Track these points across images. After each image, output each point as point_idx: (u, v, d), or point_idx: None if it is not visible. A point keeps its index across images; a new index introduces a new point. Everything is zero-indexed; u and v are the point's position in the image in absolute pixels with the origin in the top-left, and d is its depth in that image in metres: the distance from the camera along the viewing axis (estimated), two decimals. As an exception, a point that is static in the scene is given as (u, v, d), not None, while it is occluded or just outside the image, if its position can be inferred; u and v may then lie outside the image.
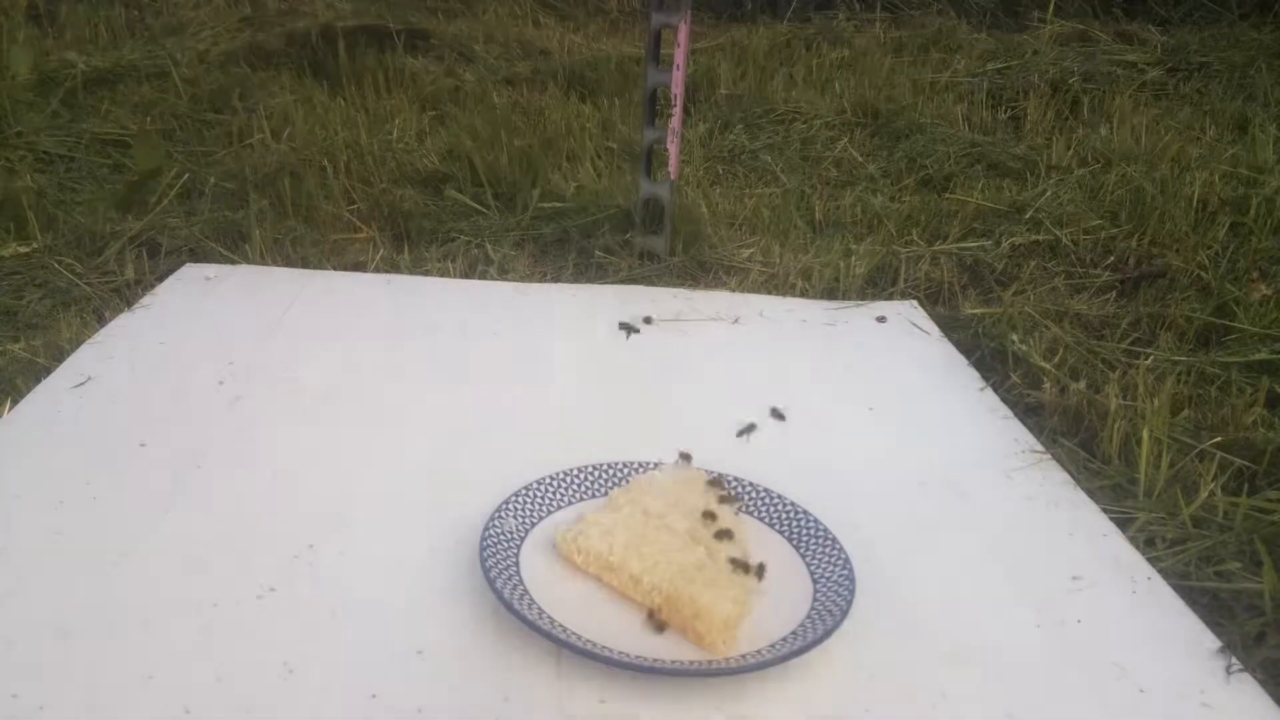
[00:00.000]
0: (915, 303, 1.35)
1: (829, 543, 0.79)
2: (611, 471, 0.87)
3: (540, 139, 1.83)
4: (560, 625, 0.69)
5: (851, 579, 0.75)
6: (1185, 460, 0.98)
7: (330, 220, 1.51)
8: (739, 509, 0.82)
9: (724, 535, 0.76)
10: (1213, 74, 2.43)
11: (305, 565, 0.76)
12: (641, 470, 0.87)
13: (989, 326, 1.28)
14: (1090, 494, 0.93)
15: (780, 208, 1.64)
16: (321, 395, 1.02)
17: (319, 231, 1.47)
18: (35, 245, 1.37)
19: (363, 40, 2.39)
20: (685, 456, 0.87)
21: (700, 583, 0.70)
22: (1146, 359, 1.19)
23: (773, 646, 0.68)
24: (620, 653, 0.67)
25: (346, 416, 0.99)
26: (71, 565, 0.75)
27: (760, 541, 0.79)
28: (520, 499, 0.82)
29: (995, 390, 1.12)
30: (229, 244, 1.41)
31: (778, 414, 0.95)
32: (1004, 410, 1.08)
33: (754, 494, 0.85)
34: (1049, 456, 0.99)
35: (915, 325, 1.28)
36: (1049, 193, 1.72)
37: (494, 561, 0.74)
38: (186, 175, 1.60)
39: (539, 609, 0.70)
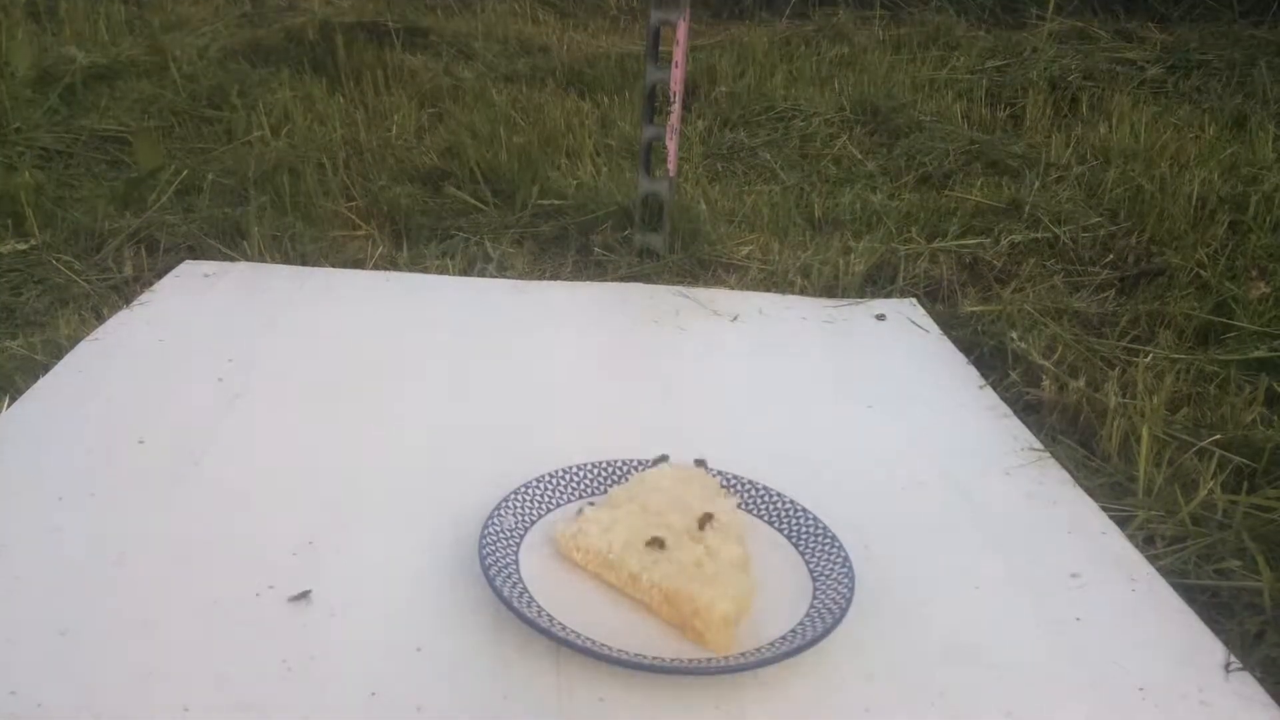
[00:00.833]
0: (914, 300, 1.35)
1: (828, 541, 0.79)
2: (611, 469, 0.87)
3: (539, 136, 1.83)
4: (559, 623, 0.69)
5: (851, 577, 0.75)
6: (1184, 458, 0.98)
7: (329, 217, 1.51)
8: (737, 505, 0.82)
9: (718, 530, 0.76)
10: (1212, 72, 2.43)
11: (304, 564, 0.76)
12: (641, 468, 0.87)
13: (988, 324, 1.28)
14: (1089, 492, 0.93)
15: (779, 205, 1.64)
16: (320, 392, 1.02)
17: (318, 228, 1.47)
18: (34, 242, 1.37)
19: (362, 37, 2.39)
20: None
21: (700, 581, 0.70)
22: (1146, 357, 1.19)
23: (772, 645, 0.68)
24: (619, 650, 0.67)
25: (345, 414, 0.99)
26: (71, 563, 0.75)
27: (760, 540, 0.79)
28: (519, 497, 0.82)
29: (994, 388, 1.12)
30: (228, 241, 1.41)
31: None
32: (1003, 408, 1.08)
33: (754, 492, 0.85)
34: (1048, 454, 0.99)
35: (914, 323, 1.28)
36: (1048, 190, 1.72)
37: (493, 559, 0.74)
38: (185, 172, 1.60)
39: (538, 607, 0.70)
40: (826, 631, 0.69)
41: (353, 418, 0.98)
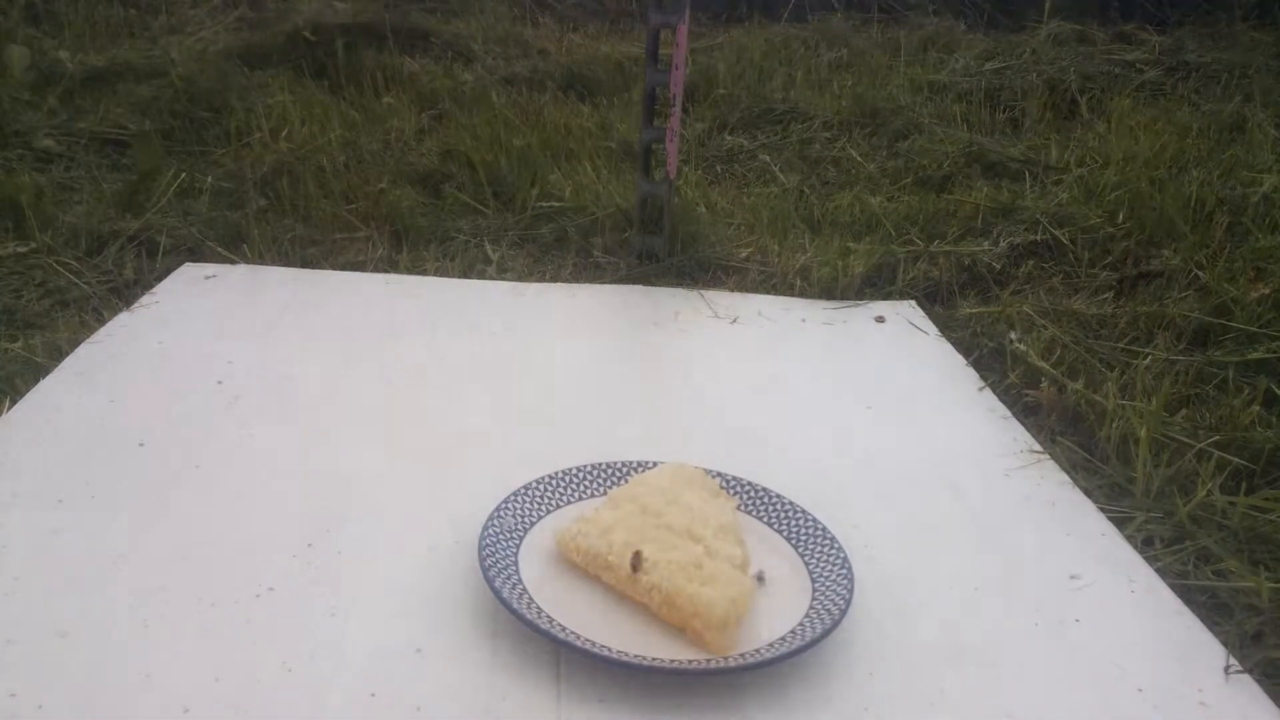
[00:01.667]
0: (913, 302, 1.35)
1: (828, 542, 0.79)
2: (610, 471, 0.87)
3: (539, 139, 1.83)
4: (559, 624, 0.69)
5: (850, 578, 0.75)
6: (1183, 459, 0.98)
7: (329, 220, 1.51)
8: (737, 507, 0.82)
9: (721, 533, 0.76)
10: (1210, 74, 2.43)
11: (304, 565, 0.76)
12: (640, 469, 0.87)
13: (987, 326, 1.28)
14: (1088, 493, 0.93)
15: (779, 207, 1.64)
16: (320, 395, 1.03)
17: (318, 231, 1.47)
18: (34, 245, 1.37)
19: (361, 40, 2.39)
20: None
21: (699, 581, 0.70)
22: (1144, 358, 1.20)
23: (772, 645, 0.68)
24: (619, 652, 0.67)
25: (345, 416, 0.99)
26: (71, 565, 0.75)
27: (760, 541, 0.80)
28: (519, 498, 0.82)
29: (993, 390, 1.12)
30: (228, 243, 1.41)
31: None
32: (1002, 410, 1.08)
33: (753, 494, 0.85)
34: (1047, 456, 0.99)
35: (913, 325, 1.28)
36: (1047, 192, 1.72)
37: (493, 561, 0.74)
38: (185, 175, 1.60)
39: (538, 608, 0.70)
40: (826, 632, 0.69)
41: (352, 419, 0.98)
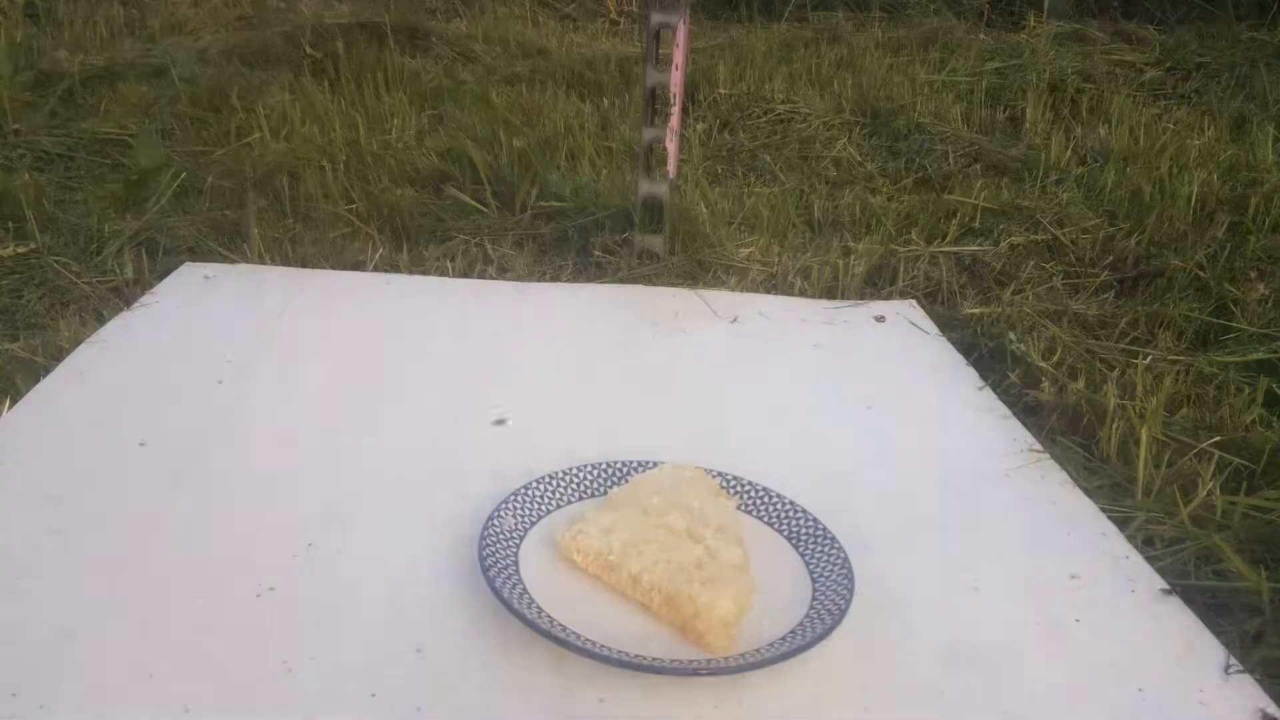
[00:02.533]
0: (914, 302, 1.35)
1: (828, 542, 0.79)
2: (611, 470, 0.87)
3: (539, 138, 1.83)
4: (560, 624, 0.69)
5: (850, 578, 0.75)
6: (1184, 460, 0.98)
7: (329, 219, 1.51)
8: (737, 506, 0.82)
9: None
10: (1211, 74, 2.43)
11: (305, 565, 0.76)
12: (640, 469, 0.87)
13: (987, 326, 1.28)
14: (1089, 493, 0.93)
15: (779, 207, 1.64)
16: (320, 394, 1.02)
17: (318, 230, 1.47)
18: (34, 244, 1.37)
19: (362, 39, 2.39)
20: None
21: (699, 581, 0.70)
22: (1145, 358, 1.20)
23: (772, 646, 0.68)
24: (620, 652, 0.67)
25: (346, 416, 0.99)
26: (71, 564, 0.75)
27: (759, 541, 0.80)
28: (519, 498, 0.82)
29: (994, 390, 1.12)
30: (228, 243, 1.41)
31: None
32: (1002, 409, 1.08)
33: (753, 493, 0.85)
34: (1047, 456, 0.99)
35: (914, 325, 1.28)
36: (1047, 192, 1.72)
37: (493, 561, 0.74)
38: (185, 174, 1.60)
39: (538, 608, 0.70)
40: (826, 632, 0.69)
41: (353, 419, 0.98)
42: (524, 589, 0.72)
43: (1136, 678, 0.70)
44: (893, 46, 2.63)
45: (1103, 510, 0.90)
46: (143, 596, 0.72)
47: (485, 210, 1.58)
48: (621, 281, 1.37)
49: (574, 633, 0.68)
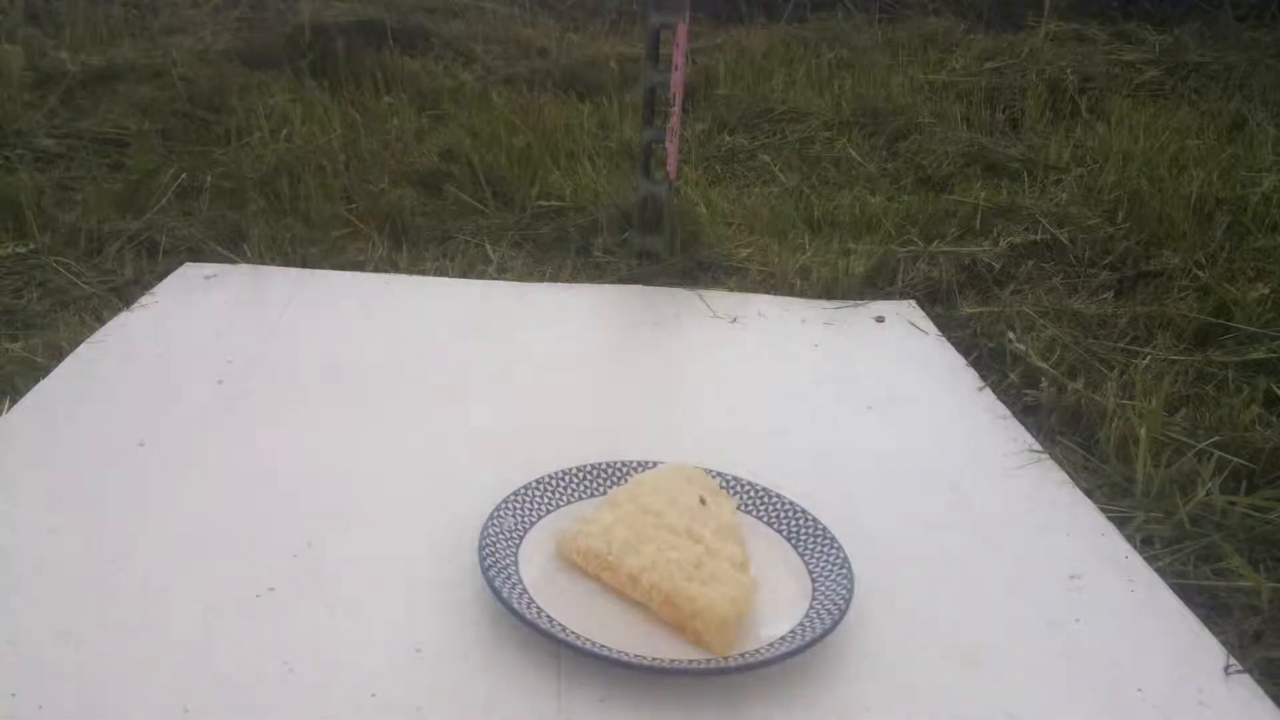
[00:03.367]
0: (913, 302, 1.35)
1: (828, 542, 0.79)
2: (610, 471, 0.87)
3: (539, 138, 1.83)
4: (559, 624, 0.69)
5: (850, 578, 0.75)
6: (1183, 459, 0.98)
7: (329, 220, 1.51)
8: (737, 506, 0.82)
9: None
10: (1210, 74, 2.43)
11: (304, 565, 0.76)
12: (640, 469, 0.87)
13: (987, 326, 1.28)
14: (1088, 493, 0.93)
15: (779, 207, 1.64)
16: (320, 395, 1.03)
17: (318, 231, 1.48)
18: (34, 245, 1.37)
19: (361, 40, 2.39)
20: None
21: (699, 581, 0.70)
22: (1144, 358, 1.20)
23: (771, 645, 0.68)
24: (620, 652, 0.67)
25: (345, 416, 0.99)
26: (71, 565, 0.75)
27: (759, 541, 0.80)
28: (519, 498, 0.82)
29: (993, 390, 1.12)
30: (228, 243, 1.41)
31: None
32: (1002, 410, 1.08)
33: (753, 493, 0.85)
34: (1047, 456, 0.99)
35: (913, 325, 1.28)
36: (1047, 192, 1.72)
37: (493, 561, 0.74)
38: (185, 175, 1.60)
39: (538, 608, 0.70)
40: (826, 632, 0.69)
41: (352, 420, 0.98)
42: (524, 589, 0.72)
43: (1136, 678, 0.70)
44: (892, 47, 2.63)
45: (1102, 510, 0.90)
46: (143, 596, 0.72)
47: (484, 210, 1.59)
48: (621, 281, 1.37)
49: (574, 633, 0.68)
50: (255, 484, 0.86)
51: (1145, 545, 0.87)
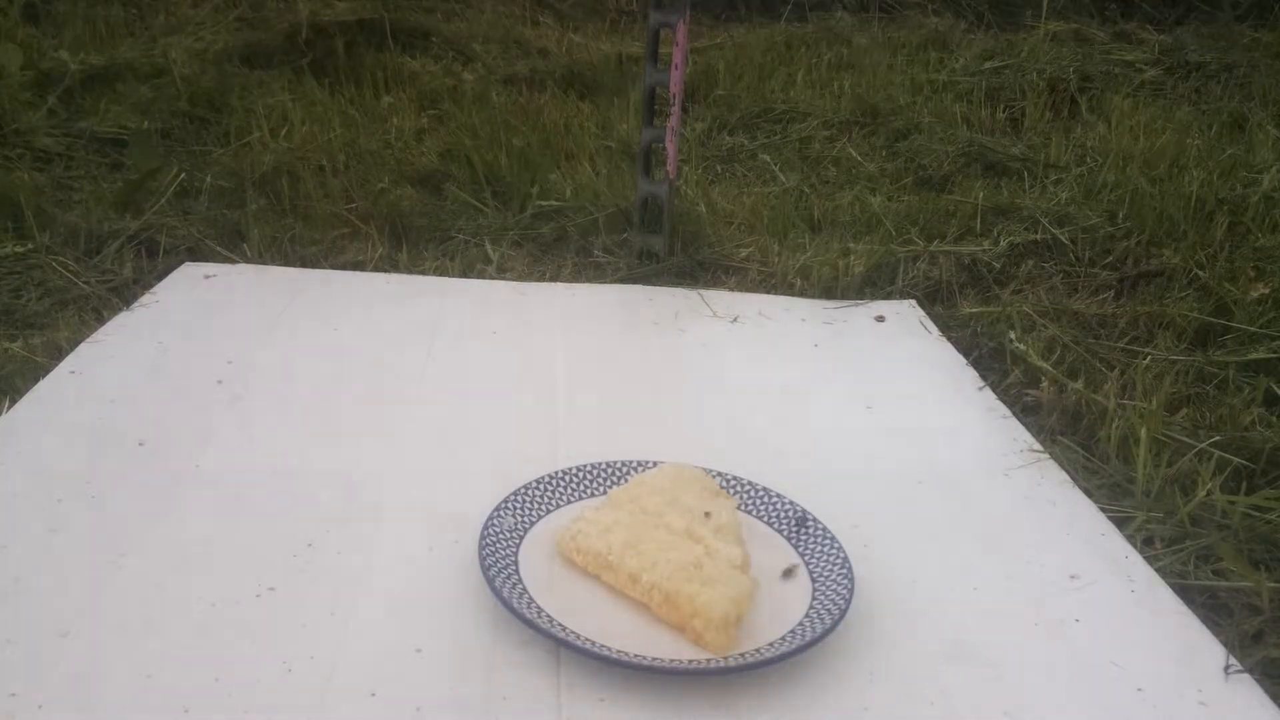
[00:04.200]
0: (913, 302, 1.35)
1: (828, 542, 0.79)
2: (610, 470, 0.87)
3: (539, 138, 1.83)
4: (559, 624, 0.69)
5: (850, 578, 0.75)
6: (1183, 459, 0.98)
7: (329, 219, 1.51)
8: (737, 506, 0.82)
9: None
10: (1210, 73, 2.43)
11: (305, 565, 0.76)
12: (640, 469, 0.87)
13: (987, 326, 1.28)
14: (1088, 493, 0.93)
15: (779, 207, 1.64)
16: (320, 394, 1.02)
17: (317, 230, 1.47)
18: (33, 245, 1.37)
19: (361, 39, 2.39)
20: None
21: (698, 581, 0.70)
22: (1144, 358, 1.20)
23: (772, 645, 0.68)
24: (619, 651, 0.67)
25: (345, 415, 0.99)
26: (71, 564, 0.75)
27: (759, 541, 0.80)
28: (519, 498, 0.82)
29: (993, 389, 1.12)
30: (227, 243, 1.41)
31: None
32: (1002, 409, 1.08)
33: (754, 494, 0.85)
34: (1047, 455, 0.99)
35: (913, 324, 1.28)
36: (1047, 192, 1.72)
37: (493, 560, 0.74)
38: (184, 174, 1.60)
39: (538, 608, 0.70)
40: (826, 632, 0.69)
41: (352, 419, 0.98)
42: (524, 589, 0.72)
43: (1136, 678, 0.70)
44: (891, 46, 2.63)
45: (1102, 510, 0.90)
46: (142, 596, 0.72)
47: (484, 210, 1.58)
48: (621, 282, 1.37)
49: (574, 633, 0.68)
50: (255, 484, 0.86)
51: (1145, 545, 0.87)
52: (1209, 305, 1.32)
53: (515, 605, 0.69)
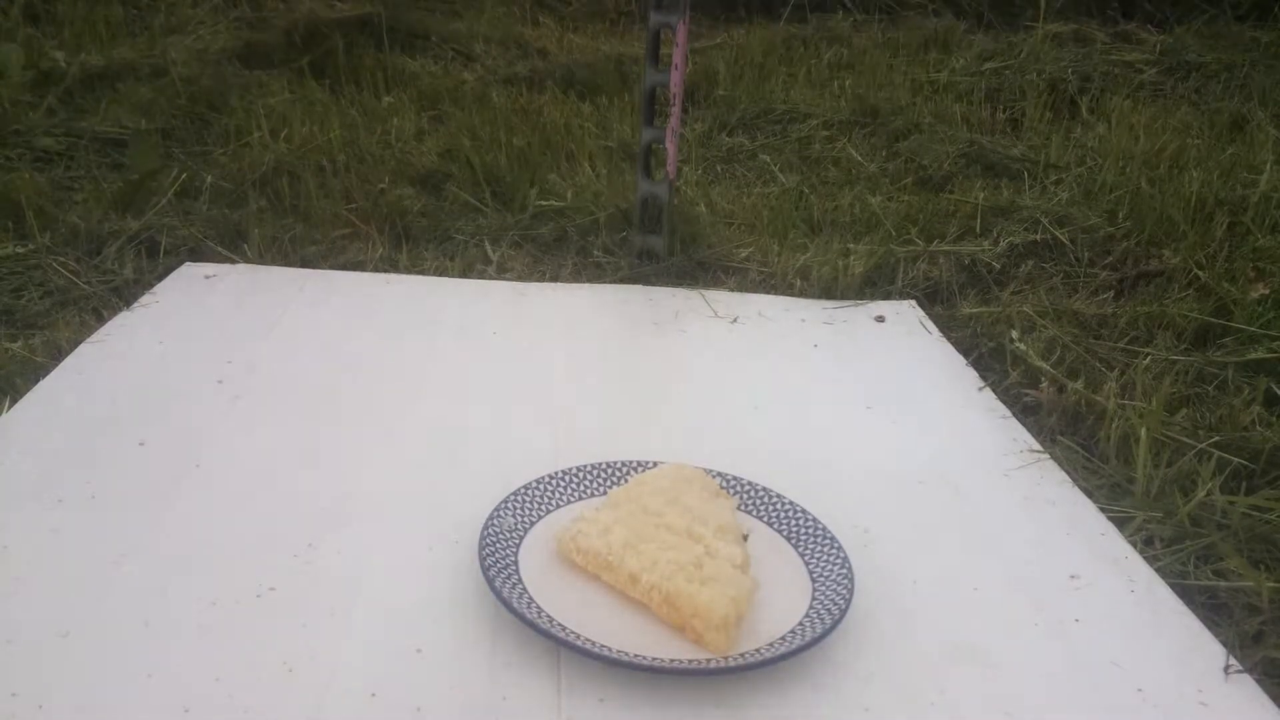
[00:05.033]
0: (913, 302, 1.35)
1: (828, 542, 0.79)
2: (610, 470, 0.87)
3: (539, 138, 1.83)
4: (559, 624, 0.69)
5: (850, 578, 0.75)
6: (1183, 459, 0.98)
7: (329, 219, 1.51)
8: (737, 506, 0.82)
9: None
10: (1210, 74, 2.43)
11: (305, 565, 0.76)
12: (640, 469, 0.87)
13: (987, 326, 1.28)
14: (1088, 493, 0.93)
15: (779, 207, 1.64)
16: (320, 394, 1.03)
17: (318, 230, 1.47)
18: (34, 245, 1.37)
19: (361, 39, 2.39)
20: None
21: (698, 581, 0.70)
22: (1144, 358, 1.20)
23: (771, 645, 0.68)
24: (619, 651, 0.67)
25: (345, 416, 0.99)
26: (71, 565, 0.75)
27: (759, 541, 0.80)
28: (519, 498, 0.82)
29: (993, 390, 1.12)
30: (228, 243, 1.41)
31: None
32: (1002, 410, 1.08)
33: (753, 494, 0.85)
34: (1047, 456, 0.99)
35: (913, 325, 1.28)
36: (1047, 192, 1.72)
37: (493, 560, 0.74)
38: (185, 174, 1.60)
39: (538, 608, 0.70)
40: (826, 632, 0.69)
41: (352, 419, 0.98)
42: (524, 589, 0.72)
43: (1136, 678, 0.70)
44: (891, 47, 2.63)
45: (1102, 510, 0.90)
46: (143, 597, 0.72)
47: (484, 210, 1.59)
48: (621, 282, 1.37)
49: (574, 633, 0.68)
50: (255, 484, 0.86)
51: (1145, 545, 0.87)
52: (1209, 305, 1.32)
53: (515, 605, 0.69)
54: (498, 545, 0.76)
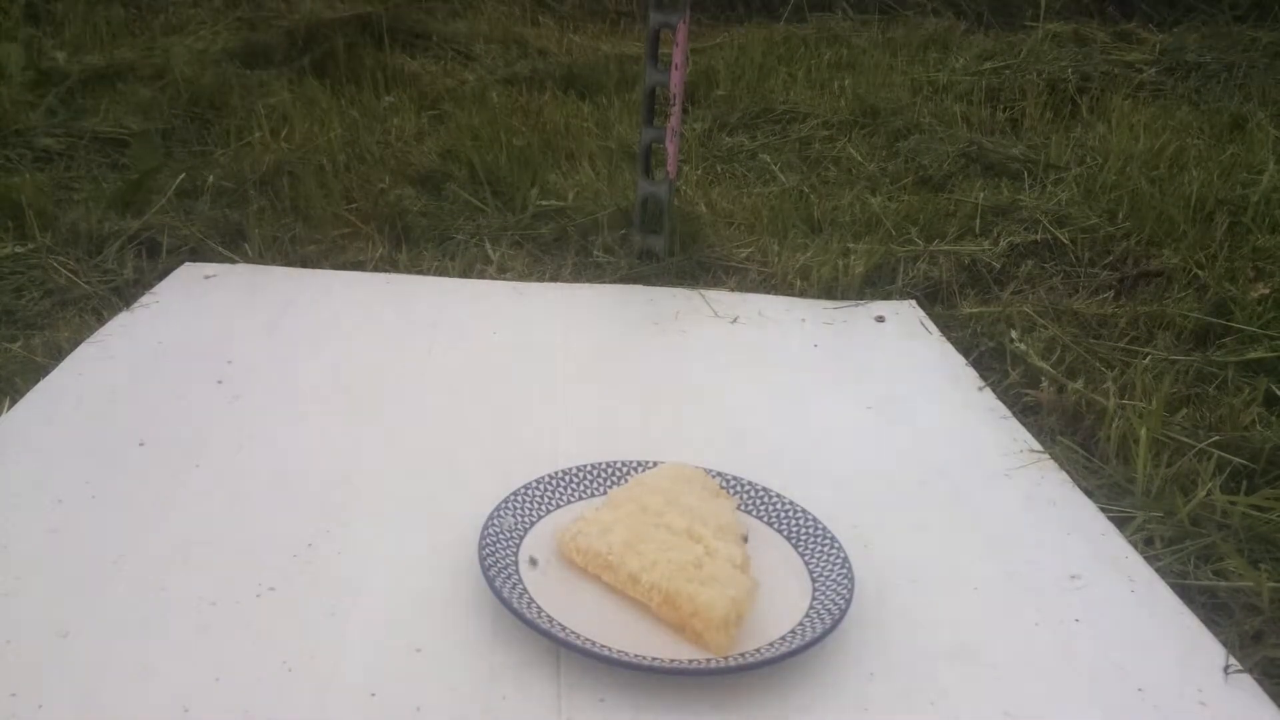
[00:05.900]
0: (913, 302, 1.35)
1: (828, 542, 0.79)
2: (610, 470, 0.87)
3: (539, 138, 1.83)
4: (559, 624, 0.69)
5: (850, 578, 0.75)
6: (1183, 459, 0.98)
7: (329, 219, 1.51)
8: (737, 506, 0.82)
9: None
10: (1210, 73, 2.43)
11: (304, 565, 0.76)
12: (640, 469, 0.87)
13: (987, 326, 1.28)
14: (1088, 493, 0.93)
15: (779, 207, 1.64)
16: (320, 394, 1.03)
17: (318, 230, 1.48)
18: (34, 245, 1.37)
19: (361, 39, 2.39)
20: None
21: (698, 581, 0.70)
22: (1144, 358, 1.20)
23: (772, 645, 0.68)
24: (619, 651, 0.67)
25: (345, 416, 0.99)
26: (70, 564, 0.75)
27: (759, 541, 0.80)
28: (519, 498, 0.82)
29: (993, 390, 1.12)
30: (228, 243, 1.41)
31: None
32: (1002, 409, 1.08)
33: (753, 494, 0.85)
34: (1047, 456, 0.99)
35: (913, 325, 1.28)
36: (1047, 192, 1.72)
37: (493, 560, 0.74)
38: (185, 174, 1.60)
39: (538, 608, 0.70)
40: (826, 632, 0.69)
41: (352, 419, 0.98)
42: (524, 589, 0.72)
43: (1136, 678, 0.70)
44: (891, 47, 2.63)
45: (1102, 510, 0.90)
46: (143, 596, 0.72)
47: (484, 210, 1.59)
48: (621, 282, 1.37)
49: (573, 631, 0.68)
50: (255, 484, 0.86)
51: (1145, 545, 0.87)
52: (1209, 305, 1.32)
53: (515, 605, 0.69)
54: (498, 545, 0.76)
